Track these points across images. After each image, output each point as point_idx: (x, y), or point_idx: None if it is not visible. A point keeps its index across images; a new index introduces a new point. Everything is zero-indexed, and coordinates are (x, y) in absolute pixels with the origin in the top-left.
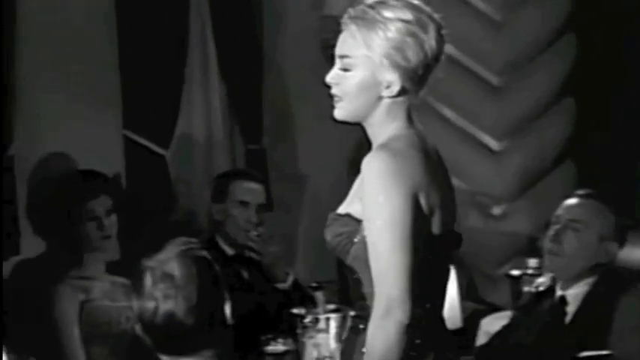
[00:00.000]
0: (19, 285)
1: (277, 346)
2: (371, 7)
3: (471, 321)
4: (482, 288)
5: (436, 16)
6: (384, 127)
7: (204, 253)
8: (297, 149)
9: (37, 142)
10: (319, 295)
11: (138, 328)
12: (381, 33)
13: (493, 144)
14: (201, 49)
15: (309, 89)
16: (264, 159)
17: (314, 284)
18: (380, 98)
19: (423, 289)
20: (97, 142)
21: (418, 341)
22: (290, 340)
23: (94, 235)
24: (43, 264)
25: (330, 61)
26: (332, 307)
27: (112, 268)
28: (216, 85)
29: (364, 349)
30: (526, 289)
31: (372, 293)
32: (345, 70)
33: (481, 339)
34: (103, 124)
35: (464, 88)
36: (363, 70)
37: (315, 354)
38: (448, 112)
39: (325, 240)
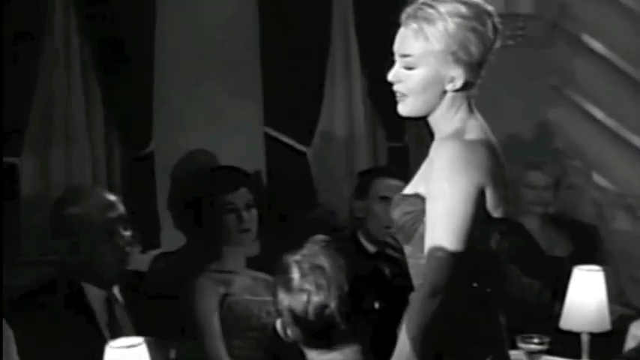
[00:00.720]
0: (158, 277)
1: None
2: (427, 4)
3: (619, 325)
4: (630, 292)
5: (489, 7)
6: (447, 118)
7: (350, 246)
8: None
9: (178, 140)
10: None
11: (278, 324)
12: (441, 28)
13: None
14: (343, 47)
15: None
16: (406, 156)
17: None
18: (444, 92)
19: (474, 272)
20: (238, 139)
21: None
22: None
23: (234, 228)
24: (183, 257)
25: None
26: None
27: (252, 264)
28: (359, 82)
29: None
30: None
31: None
32: (409, 68)
33: (630, 343)
34: (245, 122)
35: (613, 87)
36: (427, 67)
37: None
38: (597, 112)
39: (392, 219)
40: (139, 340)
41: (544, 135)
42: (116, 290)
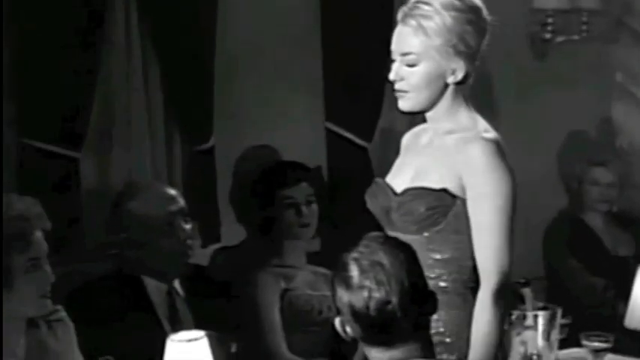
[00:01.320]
0: (219, 272)
1: None
2: (422, 1)
3: None
4: None
5: (478, 1)
6: (450, 113)
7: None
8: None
9: (239, 135)
10: (527, 292)
11: (337, 322)
12: (439, 22)
13: None
14: None
15: (514, 83)
16: None
17: (522, 280)
18: (446, 86)
19: None
20: (299, 134)
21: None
22: None
23: (293, 222)
24: (244, 252)
25: (537, 56)
26: (540, 304)
27: (313, 260)
28: None
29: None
30: None
31: (455, 263)
32: (411, 65)
33: None
34: (306, 117)
35: None
36: (429, 62)
37: (521, 350)
38: None
39: (410, 210)
40: (200, 333)
41: (608, 132)
42: (177, 284)
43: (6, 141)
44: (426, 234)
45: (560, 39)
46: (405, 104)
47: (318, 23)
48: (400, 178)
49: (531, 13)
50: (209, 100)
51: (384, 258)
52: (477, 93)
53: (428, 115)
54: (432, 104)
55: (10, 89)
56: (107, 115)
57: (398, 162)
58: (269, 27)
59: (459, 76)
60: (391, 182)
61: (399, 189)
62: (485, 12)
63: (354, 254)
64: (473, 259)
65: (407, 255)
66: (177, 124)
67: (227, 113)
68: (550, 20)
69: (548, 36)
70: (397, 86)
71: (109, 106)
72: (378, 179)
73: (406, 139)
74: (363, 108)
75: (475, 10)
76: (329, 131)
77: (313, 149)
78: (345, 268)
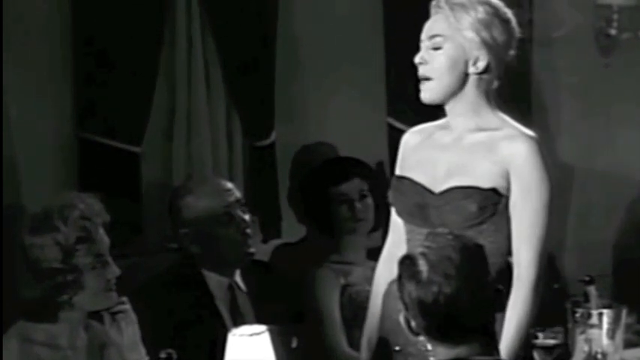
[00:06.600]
0: (279, 267)
1: (547, 340)
2: None
3: None
4: None
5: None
6: (474, 108)
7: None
8: (563, 141)
9: (301, 131)
10: (592, 290)
11: (401, 317)
12: (472, 14)
13: None
14: None
15: (578, 80)
16: None
17: (586, 278)
18: (467, 76)
19: None
20: (361, 130)
21: None
22: (560, 334)
23: (347, 218)
24: (304, 248)
25: (603, 52)
26: (605, 302)
27: (374, 255)
28: None
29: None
30: None
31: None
32: (436, 48)
33: None
34: (367, 112)
35: None
36: (454, 45)
37: (586, 349)
38: None
39: (458, 209)
40: (262, 328)
41: None
42: (238, 278)
43: (65, 137)
44: (469, 232)
45: (626, 36)
46: (426, 94)
47: (381, 20)
48: (429, 174)
49: (597, 9)
50: (270, 96)
51: (453, 253)
52: (544, 95)
53: (448, 108)
54: (452, 95)
55: (70, 84)
56: (168, 109)
57: (415, 158)
58: (331, 24)
59: (480, 66)
60: (418, 179)
61: (431, 186)
62: (514, 23)
63: (421, 249)
64: (504, 256)
65: (475, 251)
66: (239, 120)
67: (288, 109)
68: (615, 17)
69: (613, 32)
70: (421, 71)
71: (169, 100)
72: (401, 176)
73: (412, 137)
74: (424, 104)
75: (505, 12)
76: (391, 127)
77: (375, 145)
78: (413, 263)
